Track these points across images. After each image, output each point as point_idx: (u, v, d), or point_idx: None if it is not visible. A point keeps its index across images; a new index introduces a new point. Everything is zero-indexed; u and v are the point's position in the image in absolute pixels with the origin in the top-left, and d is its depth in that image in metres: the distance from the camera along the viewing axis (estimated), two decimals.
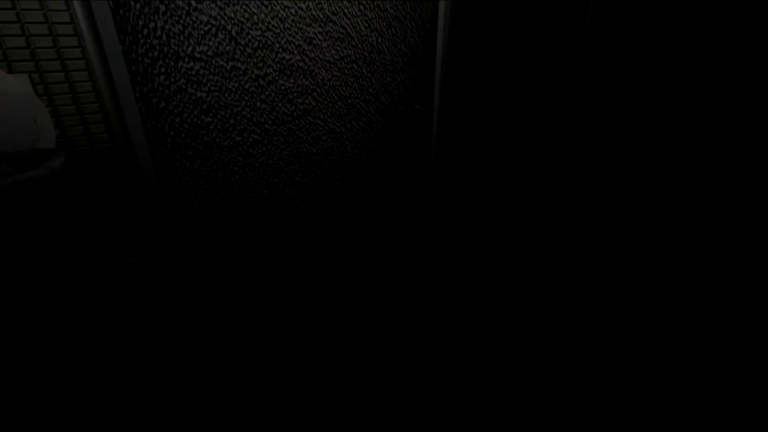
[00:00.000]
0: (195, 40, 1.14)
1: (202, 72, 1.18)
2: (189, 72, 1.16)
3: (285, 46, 1.31)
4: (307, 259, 1.68)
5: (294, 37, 1.32)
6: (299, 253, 1.64)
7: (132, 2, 1.02)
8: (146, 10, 1.04)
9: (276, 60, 1.31)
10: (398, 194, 1.95)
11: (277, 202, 1.50)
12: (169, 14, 1.08)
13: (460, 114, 2.04)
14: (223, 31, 1.18)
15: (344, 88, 1.52)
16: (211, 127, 1.25)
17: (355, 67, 1.51)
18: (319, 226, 1.67)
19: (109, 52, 1.02)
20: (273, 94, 1.34)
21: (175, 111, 1.17)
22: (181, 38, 1.11)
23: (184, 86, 1.16)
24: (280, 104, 1.37)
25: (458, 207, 2.39)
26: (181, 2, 1.08)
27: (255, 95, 1.30)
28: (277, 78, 1.33)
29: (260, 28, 1.24)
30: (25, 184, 2.46)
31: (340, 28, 1.42)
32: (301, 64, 1.37)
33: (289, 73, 1.35)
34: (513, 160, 2.55)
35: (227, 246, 1.42)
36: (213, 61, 1.19)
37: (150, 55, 1.08)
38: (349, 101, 1.55)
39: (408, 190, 2.00)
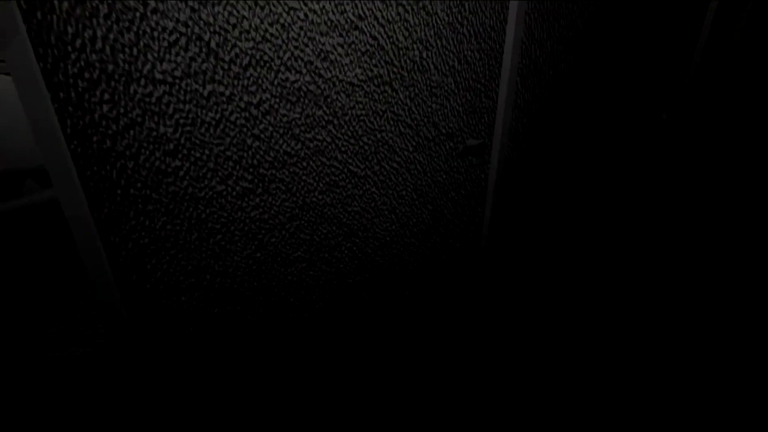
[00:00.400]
0: (155, 54, 0.80)
1: (166, 99, 0.84)
2: (147, 99, 0.82)
3: (289, 63, 0.94)
4: (315, 337, 1.29)
5: (302, 51, 0.95)
6: (304, 331, 1.26)
7: (56, 1, 0.69)
8: (78, 11, 0.71)
9: (276, 82, 0.94)
10: (439, 258, 1.51)
11: (275, 267, 1.13)
12: (114, 18, 0.74)
13: (531, 154, 1.56)
14: (198, 43, 0.83)
15: (372, 119, 1.12)
16: (181, 173, 0.91)
17: (389, 90, 1.12)
18: (332, 295, 1.27)
19: (20, 75, 0.70)
20: (271, 128, 0.98)
21: (127, 153, 0.84)
22: (135, 52, 0.78)
23: (139, 119, 0.82)
24: (280, 141, 1.00)
25: (517, 285, 1.89)
26: (132, 1, 0.75)
27: (245, 130, 0.95)
28: (276, 106, 0.96)
29: (253, 39, 0.88)
30: (40, 206, 2.28)
31: (370, 39, 1.03)
32: (311, 87, 0.99)
33: (294, 99, 0.98)
34: (597, 225, 2.01)
35: (204, 325, 1.07)
36: (182, 84, 0.84)
37: (86, 76, 0.75)
38: (378, 135, 1.15)
39: (453, 254, 1.55)
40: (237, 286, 1.09)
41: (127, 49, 0.77)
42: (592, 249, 2.16)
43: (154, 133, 0.85)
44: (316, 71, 0.98)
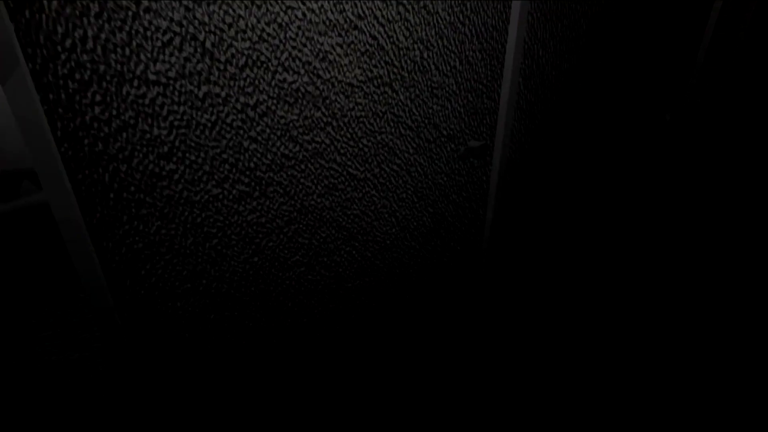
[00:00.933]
0: (149, 55, 0.77)
1: (160, 100, 0.81)
2: (140, 101, 0.79)
3: (287, 63, 0.92)
4: (314, 343, 1.27)
5: (300, 51, 0.92)
6: (302, 336, 1.24)
7: (45, 0, 0.67)
8: (68, 10, 0.69)
9: (273, 83, 0.92)
10: (440, 261, 1.49)
11: (273, 272, 1.11)
12: (106, 17, 0.72)
13: (533, 156, 1.54)
14: (193, 43, 0.81)
15: (371, 121, 1.10)
16: (176, 176, 0.89)
17: (389, 91, 1.09)
18: (331, 299, 1.25)
19: (7, 76, 0.67)
20: (268, 130, 0.96)
21: (120, 156, 0.81)
22: (127, 52, 0.76)
23: (132, 121, 0.80)
24: (278, 143, 0.98)
25: (519, 287, 1.87)
26: (125, 0, 0.73)
27: (241, 132, 0.92)
28: (274, 108, 0.94)
29: (249, 39, 0.86)
30: (37, 208, 2.26)
31: (369, 38, 1.01)
32: (310, 88, 0.97)
33: (292, 101, 0.96)
34: (601, 228, 1.99)
35: (200, 331, 1.05)
36: (177, 85, 0.82)
37: (77, 77, 0.73)
38: (378, 137, 1.13)
39: (454, 257, 1.52)
40: (234, 291, 1.06)
41: (119, 49, 0.75)
42: (595, 251, 2.13)
43: (148, 136, 0.83)
44: (315, 72, 0.96)
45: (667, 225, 2.28)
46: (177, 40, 0.79)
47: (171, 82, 0.81)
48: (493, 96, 1.32)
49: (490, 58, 1.26)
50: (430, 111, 1.20)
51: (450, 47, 1.16)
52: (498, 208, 1.49)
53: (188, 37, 0.80)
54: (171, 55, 0.80)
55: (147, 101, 0.80)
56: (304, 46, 0.92)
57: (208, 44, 0.82)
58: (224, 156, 0.92)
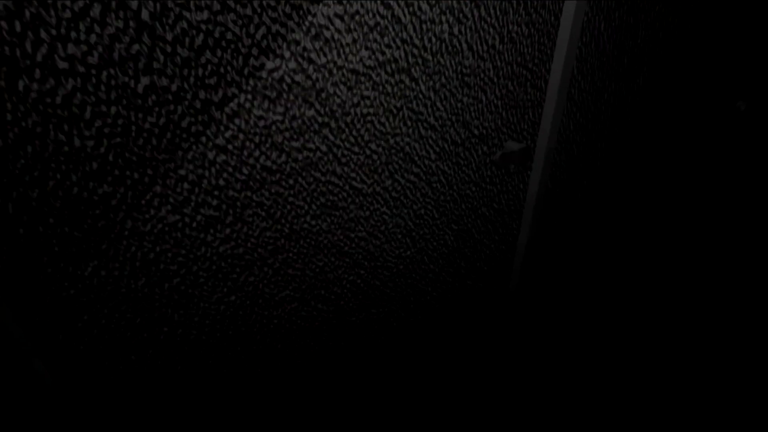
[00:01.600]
0: (53, 31, 0.52)
1: (79, 98, 0.57)
2: (47, 99, 0.55)
3: (265, 42, 0.65)
4: (311, 388, 1.05)
5: (284, 26, 0.66)
6: (296, 382, 1.02)
7: None
8: None
9: (246, 71, 0.66)
10: (463, 285, 1.24)
11: (256, 311, 0.88)
12: None
13: (582, 159, 1.26)
14: (122, 13, 0.55)
15: (382, 119, 0.84)
16: (113, 201, 0.65)
17: (406, 80, 0.82)
18: (330, 337, 1.02)
19: None
20: (242, 136, 0.70)
21: (27, 178, 0.58)
22: (17, 27, 0.50)
23: (39, 129, 0.56)
24: (256, 153, 0.73)
25: (559, 318, 1.61)
26: None
27: (203, 140, 0.67)
28: (249, 105, 0.69)
29: (208, 7, 0.59)
30: None
31: (381, 7, 0.73)
32: (298, 77, 0.71)
33: (274, 95, 0.70)
34: (664, 248, 1.70)
35: (165, 386, 0.83)
36: (102, 77, 0.57)
37: None
38: (391, 141, 0.87)
39: (480, 280, 1.28)
40: (206, 336, 0.84)
41: (2, 23, 0.50)
42: (654, 277, 1.85)
43: (66, 149, 0.59)
44: (305, 55, 0.70)
45: (749, 245, 1.98)
46: (96, 9, 0.54)
47: (93, 71, 0.56)
48: (538, 84, 1.03)
49: (539, 34, 0.97)
50: (459, 105, 0.93)
51: (489, 20, 0.87)
52: (536, 221, 1.23)
53: (113, 4, 0.54)
54: (89, 31, 0.54)
55: (59, 100, 0.56)
56: (290, 18, 0.66)
57: (144, 15, 0.56)
58: (181, 172, 0.68)
